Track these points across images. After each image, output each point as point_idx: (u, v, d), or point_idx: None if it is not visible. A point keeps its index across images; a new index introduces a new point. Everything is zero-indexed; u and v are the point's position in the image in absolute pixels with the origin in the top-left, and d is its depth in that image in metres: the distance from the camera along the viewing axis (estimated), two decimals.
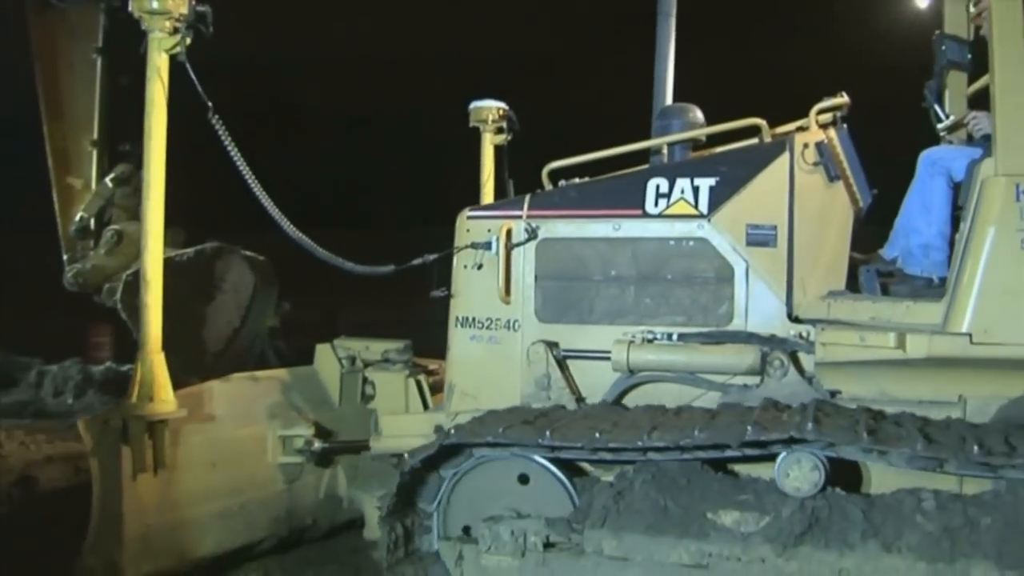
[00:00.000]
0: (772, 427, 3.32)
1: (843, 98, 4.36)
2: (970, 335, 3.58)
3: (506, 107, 6.08)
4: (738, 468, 3.81)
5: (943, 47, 4.53)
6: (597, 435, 3.47)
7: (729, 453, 3.53)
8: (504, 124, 6.15)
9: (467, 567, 3.76)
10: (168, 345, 4.20)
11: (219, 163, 4.51)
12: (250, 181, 4.46)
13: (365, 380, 5.07)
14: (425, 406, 4.89)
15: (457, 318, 4.50)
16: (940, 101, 4.65)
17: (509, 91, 6.10)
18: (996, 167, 3.63)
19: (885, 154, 4.66)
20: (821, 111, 4.33)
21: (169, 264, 6.52)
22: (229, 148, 4.41)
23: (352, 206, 18.54)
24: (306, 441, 4.75)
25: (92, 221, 7.67)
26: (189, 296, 6.45)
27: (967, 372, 3.74)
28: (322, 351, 5.15)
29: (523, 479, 3.88)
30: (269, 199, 4.49)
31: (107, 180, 7.72)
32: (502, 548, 3.68)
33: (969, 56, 4.57)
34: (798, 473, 3.45)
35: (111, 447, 3.97)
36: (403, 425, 4.55)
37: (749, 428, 3.28)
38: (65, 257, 7.79)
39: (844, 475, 3.62)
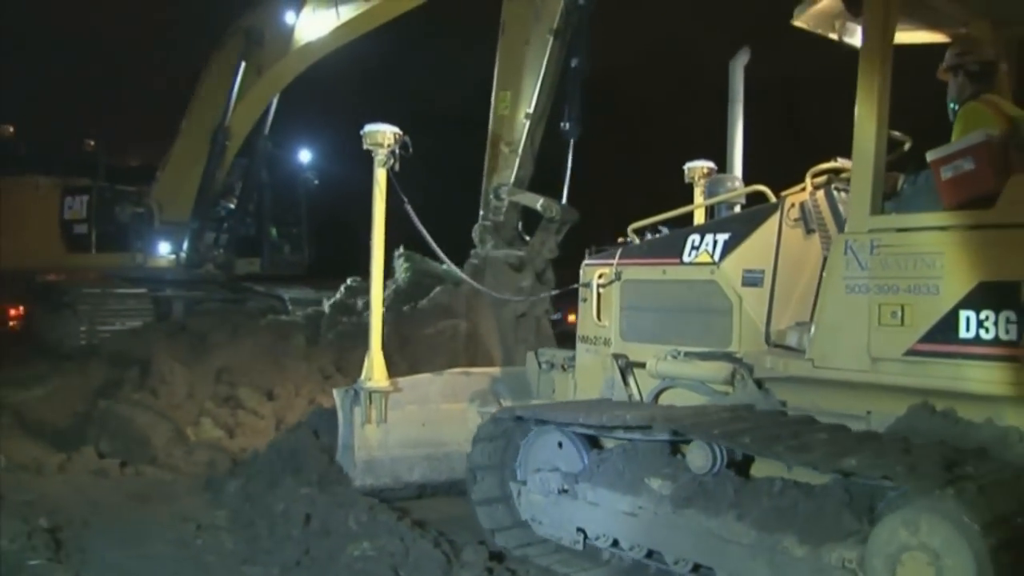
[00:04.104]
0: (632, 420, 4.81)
1: (837, 163, 5.26)
2: (812, 360, 4.54)
3: (713, 165, 7.45)
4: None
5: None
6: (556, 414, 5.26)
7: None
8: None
9: (522, 501, 5.69)
10: None
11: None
12: (422, 230, 7.15)
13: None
14: None
15: (579, 336, 6.30)
16: None
17: None
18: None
19: None
20: (815, 174, 5.32)
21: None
22: (415, 220, 7.02)
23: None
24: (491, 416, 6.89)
25: (505, 193, 9.64)
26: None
27: (870, 391, 4.61)
28: (530, 356, 7.09)
29: (560, 444, 5.65)
30: (432, 240, 7.17)
31: (542, 203, 9.66)
32: (536, 490, 5.54)
33: None
34: (694, 455, 4.78)
35: (350, 406, 6.63)
36: None
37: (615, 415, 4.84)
38: (481, 213, 9.95)
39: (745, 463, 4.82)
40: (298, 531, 5.64)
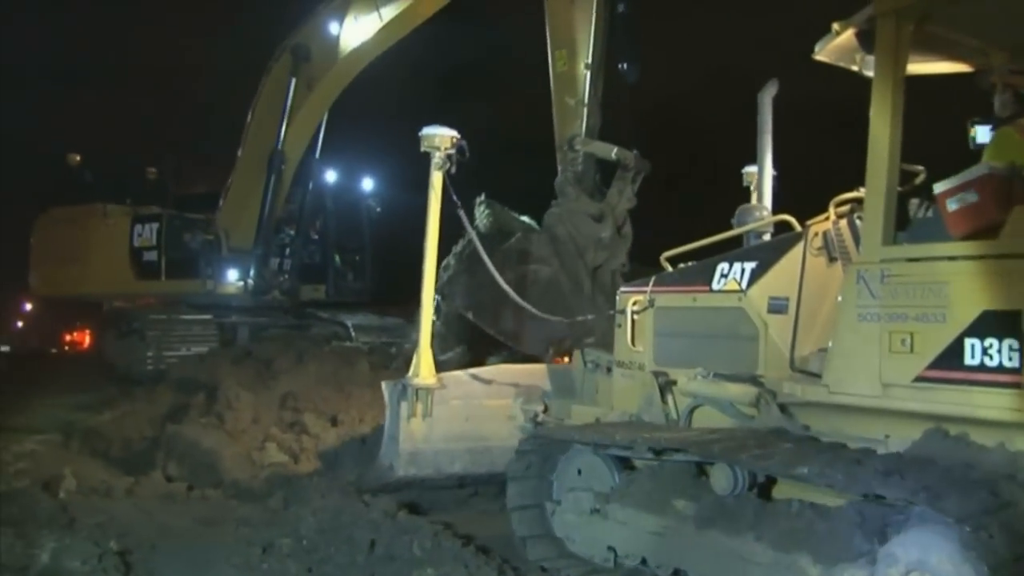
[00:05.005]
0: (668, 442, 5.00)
1: (860, 192, 5.40)
2: (827, 385, 4.70)
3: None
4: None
5: (972, 133, 5.26)
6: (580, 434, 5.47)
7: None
8: None
9: (556, 519, 5.92)
10: None
11: None
12: (474, 237, 7.59)
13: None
14: None
15: (615, 360, 6.49)
16: None
17: None
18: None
19: None
20: (839, 203, 5.47)
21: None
22: (471, 232, 7.39)
23: None
24: (534, 413, 7.10)
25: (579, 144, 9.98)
26: None
27: (885, 416, 4.74)
28: (576, 355, 7.29)
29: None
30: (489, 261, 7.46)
31: (616, 152, 9.97)
32: (570, 509, 5.77)
33: None
34: (717, 477, 4.96)
35: (397, 400, 6.89)
36: (579, 413, 6.71)
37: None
38: (559, 167, 10.26)
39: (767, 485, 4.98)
40: (363, 557, 5.71)
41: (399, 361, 11.21)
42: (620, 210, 10.09)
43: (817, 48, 5.46)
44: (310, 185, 16.61)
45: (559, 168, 10.23)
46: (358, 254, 18.47)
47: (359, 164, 18.50)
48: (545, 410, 7.18)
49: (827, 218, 5.57)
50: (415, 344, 7.12)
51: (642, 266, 9.92)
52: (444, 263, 8.45)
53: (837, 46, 5.37)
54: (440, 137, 7.06)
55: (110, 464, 9.24)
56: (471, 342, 10.38)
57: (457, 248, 10.47)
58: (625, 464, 5.77)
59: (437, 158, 7.07)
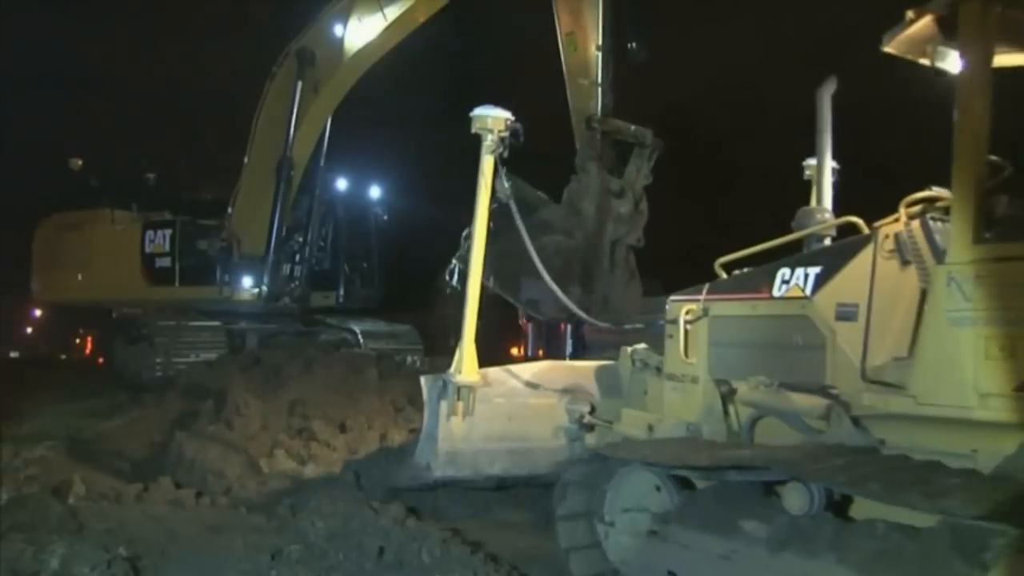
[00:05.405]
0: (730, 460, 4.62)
1: (932, 192, 5.08)
2: (915, 396, 4.35)
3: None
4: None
5: None
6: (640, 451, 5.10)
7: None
8: None
9: (609, 542, 5.55)
10: None
11: None
12: (530, 246, 6.95)
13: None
14: None
15: (666, 374, 6.14)
16: None
17: None
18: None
19: None
20: (910, 204, 5.13)
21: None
22: (512, 206, 6.91)
23: None
24: (580, 415, 6.75)
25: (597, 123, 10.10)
26: None
27: (976, 429, 4.39)
28: (624, 353, 6.87)
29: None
30: (539, 262, 6.98)
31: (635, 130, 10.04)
32: (625, 530, 5.40)
33: None
34: (791, 496, 4.60)
35: (437, 397, 6.48)
36: (630, 417, 6.35)
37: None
38: (578, 145, 10.39)
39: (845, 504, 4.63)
40: (372, 563, 5.65)
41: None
42: (638, 186, 10.08)
43: (885, 39, 5.13)
44: (316, 192, 16.58)
45: (577, 146, 10.32)
46: (366, 261, 18.41)
47: (366, 171, 18.52)
48: (592, 411, 6.84)
49: (897, 219, 5.22)
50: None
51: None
52: (465, 232, 8.29)
53: (909, 36, 5.04)
54: (493, 119, 6.58)
55: (119, 470, 9.10)
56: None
57: None
58: (681, 482, 5.43)
59: (489, 141, 6.60)
